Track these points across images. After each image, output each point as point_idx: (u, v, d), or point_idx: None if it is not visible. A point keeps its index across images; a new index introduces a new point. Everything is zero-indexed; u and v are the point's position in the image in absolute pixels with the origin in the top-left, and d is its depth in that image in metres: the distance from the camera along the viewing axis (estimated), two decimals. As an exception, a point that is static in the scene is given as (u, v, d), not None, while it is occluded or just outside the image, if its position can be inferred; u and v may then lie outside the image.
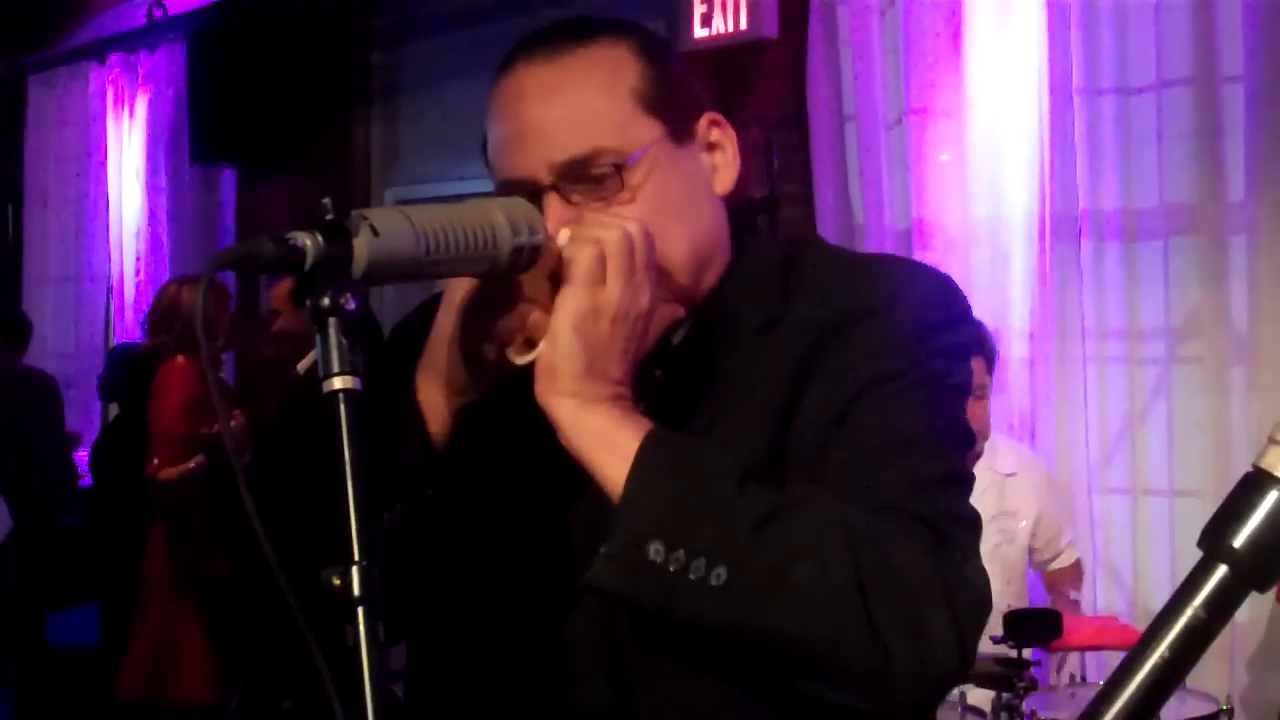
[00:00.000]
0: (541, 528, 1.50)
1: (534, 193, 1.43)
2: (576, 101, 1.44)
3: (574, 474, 1.38)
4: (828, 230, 4.95)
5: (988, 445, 3.97)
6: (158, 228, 7.60)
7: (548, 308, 1.38)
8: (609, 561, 1.32)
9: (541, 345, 1.38)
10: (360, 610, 1.16)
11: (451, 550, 1.49)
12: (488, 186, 1.53)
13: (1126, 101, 4.35)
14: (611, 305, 1.35)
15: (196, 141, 7.04)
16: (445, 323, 1.45)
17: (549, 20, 1.55)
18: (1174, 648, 0.75)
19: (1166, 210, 4.29)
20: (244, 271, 1.23)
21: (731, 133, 1.55)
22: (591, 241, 1.36)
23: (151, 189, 7.63)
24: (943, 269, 4.49)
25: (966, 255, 4.64)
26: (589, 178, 1.43)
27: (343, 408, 1.20)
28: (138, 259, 7.61)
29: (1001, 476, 3.98)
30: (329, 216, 1.23)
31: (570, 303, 1.35)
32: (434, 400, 1.46)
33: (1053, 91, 4.44)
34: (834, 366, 1.43)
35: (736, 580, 1.29)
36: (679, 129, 1.49)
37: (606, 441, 1.35)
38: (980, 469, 3.87)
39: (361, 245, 1.24)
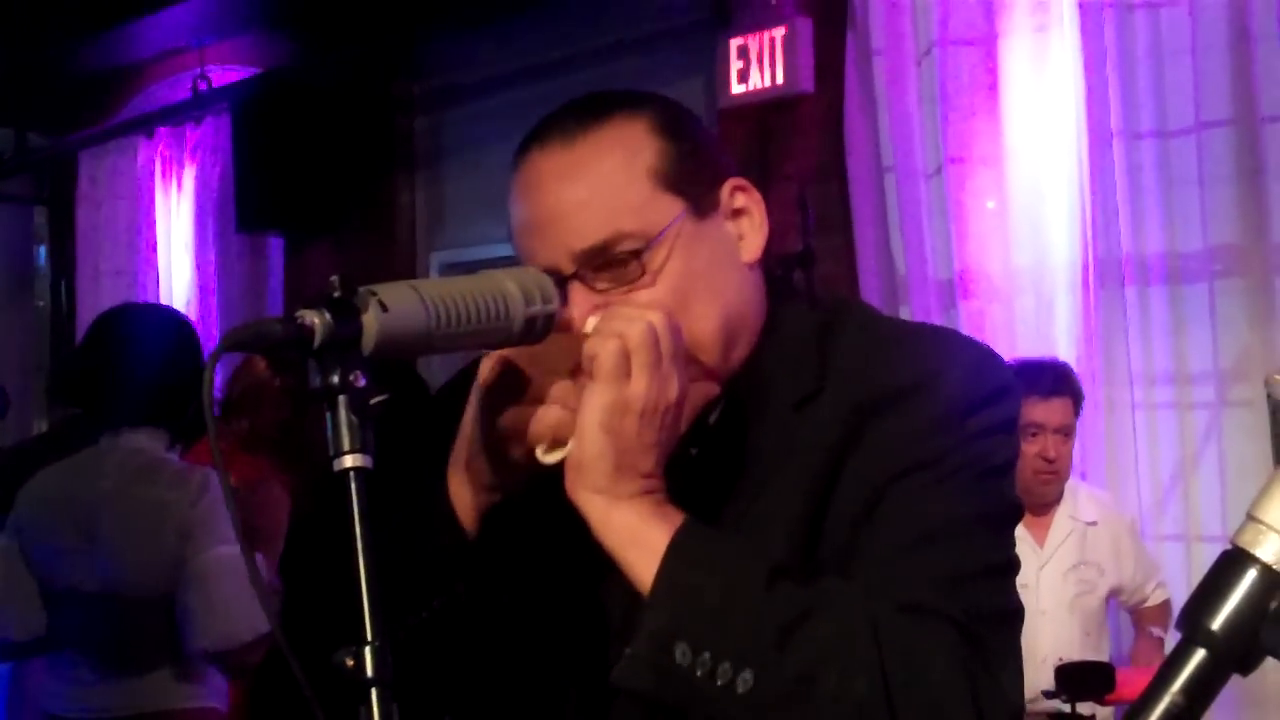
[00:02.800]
0: (580, 619, 1.49)
1: (558, 281, 1.41)
2: (593, 186, 1.41)
3: (610, 565, 1.37)
4: (870, 283, 4.93)
5: (1068, 491, 3.98)
6: (207, 297, 7.65)
7: (575, 405, 1.36)
8: (635, 662, 1.30)
9: (570, 444, 1.36)
10: (374, 691, 1.15)
11: (489, 644, 1.48)
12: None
13: (1166, 144, 4.33)
14: (639, 400, 1.33)
15: (243, 211, 7.08)
16: (470, 423, 1.43)
17: (588, 82, 1.53)
18: (1153, 738, 0.72)
19: (1210, 252, 4.24)
20: (254, 351, 1.22)
21: (757, 196, 1.51)
22: (614, 336, 1.33)
23: (200, 259, 7.69)
24: (987, 318, 4.51)
25: (1010, 304, 4.61)
26: (611, 263, 1.40)
27: (354, 486, 1.19)
28: (188, 330, 7.66)
29: (1083, 525, 3.95)
30: (336, 294, 1.22)
31: (596, 400, 1.33)
32: (464, 497, 1.45)
33: (1091, 136, 4.42)
34: (870, 450, 1.40)
35: (762, 687, 1.27)
36: (701, 202, 1.45)
37: (636, 539, 1.33)
38: (1061, 517, 3.87)
39: (371, 321, 1.23)
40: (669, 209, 1.43)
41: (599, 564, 1.37)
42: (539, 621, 1.49)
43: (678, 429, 1.37)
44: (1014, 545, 1.45)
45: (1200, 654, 0.75)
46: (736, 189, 1.50)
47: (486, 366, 1.42)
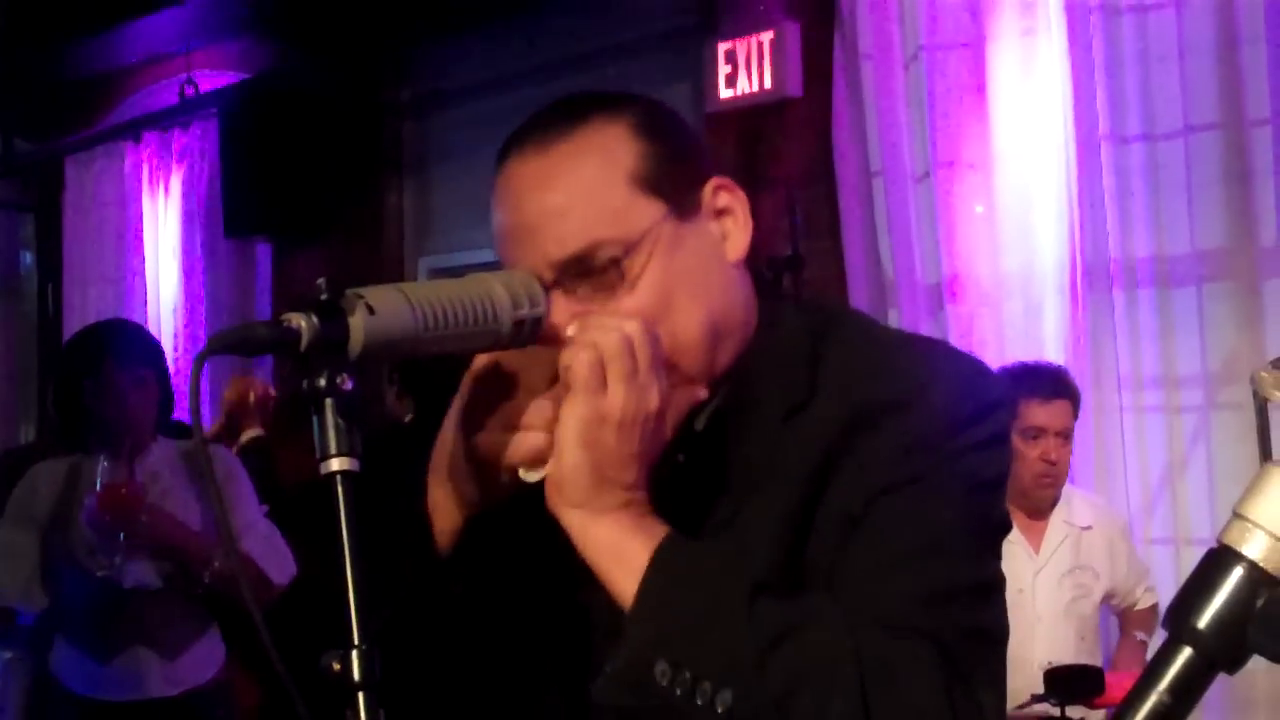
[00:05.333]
0: (564, 629, 1.48)
1: None
2: (570, 194, 1.39)
3: (594, 576, 1.36)
4: (858, 287, 4.93)
5: (1063, 496, 3.97)
6: (195, 303, 7.63)
7: (553, 427, 1.34)
8: (614, 679, 1.30)
9: (550, 462, 1.34)
10: (360, 696, 1.14)
11: (471, 653, 1.48)
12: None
13: (1154, 148, 4.33)
14: (616, 411, 1.30)
15: (231, 216, 7.08)
16: (450, 435, 1.42)
17: (575, 87, 1.50)
18: (1139, 737, 0.71)
19: (1199, 256, 4.25)
20: (241, 354, 1.22)
21: (741, 195, 1.48)
22: (588, 346, 1.31)
23: (187, 265, 7.67)
24: (975, 322, 4.50)
25: (998, 308, 4.62)
26: (591, 271, 1.38)
27: (340, 489, 1.18)
28: (175, 335, 7.64)
29: (1077, 530, 3.95)
30: (323, 296, 1.21)
31: (573, 413, 1.31)
32: (444, 508, 1.44)
33: (1079, 140, 4.43)
34: (858, 464, 1.37)
35: (740, 707, 1.25)
36: (682, 203, 1.43)
37: (616, 554, 1.32)
38: (1056, 522, 3.87)
39: (358, 324, 1.22)
40: (648, 213, 1.40)
41: (584, 574, 1.35)
42: (524, 632, 1.48)
43: (660, 438, 1.35)
44: (999, 561, 1.42)
45: (1187, 653, 0.74)
46: (719, 188, 1.47)
47: (466, 381, 1.41)
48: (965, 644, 1.31)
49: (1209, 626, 0.74)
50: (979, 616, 1.35)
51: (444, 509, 1.44)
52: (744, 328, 1.48)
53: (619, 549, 1.32)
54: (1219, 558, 0.75)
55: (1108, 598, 3.99)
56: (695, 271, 1.43)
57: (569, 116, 1.44)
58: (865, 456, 1.37)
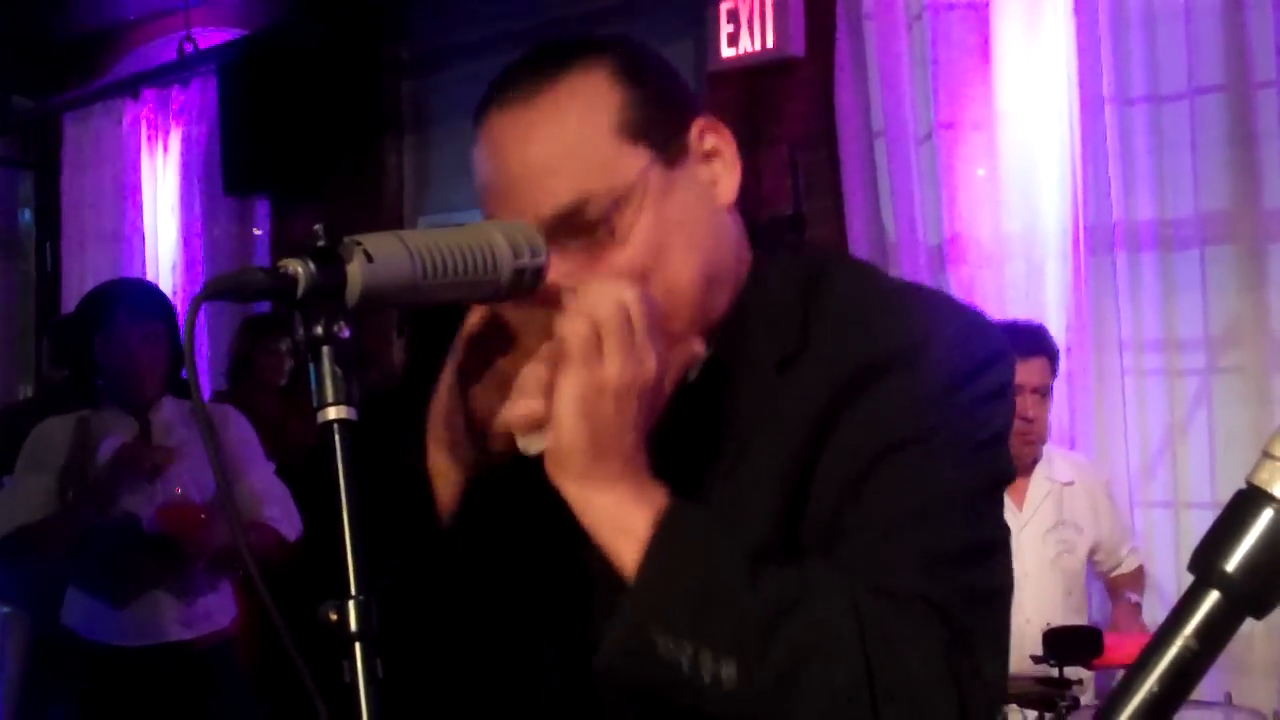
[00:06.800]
0: (565, 595, 1.46)
1: None
2: (555, 147, 1.36)
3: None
4: (859, 248, 4.91)
5: (1044, 455, 4.00)
6: (193, 260, 7.61)
7: (547, 392, 1.31)
8: (616, 649, 1.28)
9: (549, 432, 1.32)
10: (357, 646, 1.13)
11: (472, 613, 1.46)
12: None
13: (1158, 110, 4.31)
14: (613, 381, 1.28)
15: (230, 173, 7.05)
16: (446, 397, 1.41)
17: None
18: (1163, 681, 0.69)
19: (1202, 219, 4.23)
20: (237, 300, 1.20)
21: (727, 134, 1.45)
22: (583, 316, 1.28)
23: (186, 222, 7.65)
24: (977, 284, 4.49)
25: (1000, 269, 4.60)
26: (581, 226, 1.36)
27: (337, 438, 1.17)
28: (174, 293, 7.61)
29: (1060, 485, 3.98)
30: (321, 243, 1.19)
31: (570, 384, 1.28)
32: (443, 472, 1.43)
33: (1083, 102, 4.41)
34: (856, 422, 1.35)
35: (744, 679, 1.24)
36: (669, 148, 1.40)
37: (617, 524, 1.30)
38: (1038, 478, 3.90)
39: (355, 271, 1.20)
40: (635, 162, 1.38)
41: (584, 539, 1.33)
42: (524, 597, 1.47)
43: (659, 403, 1.33)
44: (1001, 512, 1.41)
45: (1214, 597, 0.72)
46: (705, 130, 1.44)
47: (459, 341, 1.40)
48: (967, 608, 1.29)
49: (1238, 570, 0.71)
50: (981, 578, 1.34)
51: (444, 473, 1.42)
52: (736, 273, 1.45)
53: (620, 519, 1.30)
54: (1248, 499, 0.73)
55: (1092, 554, 4.02)
56: (687, 220, 1.40)
57: (548, 66, 1.41)
58: (865, 414, 1.35)
